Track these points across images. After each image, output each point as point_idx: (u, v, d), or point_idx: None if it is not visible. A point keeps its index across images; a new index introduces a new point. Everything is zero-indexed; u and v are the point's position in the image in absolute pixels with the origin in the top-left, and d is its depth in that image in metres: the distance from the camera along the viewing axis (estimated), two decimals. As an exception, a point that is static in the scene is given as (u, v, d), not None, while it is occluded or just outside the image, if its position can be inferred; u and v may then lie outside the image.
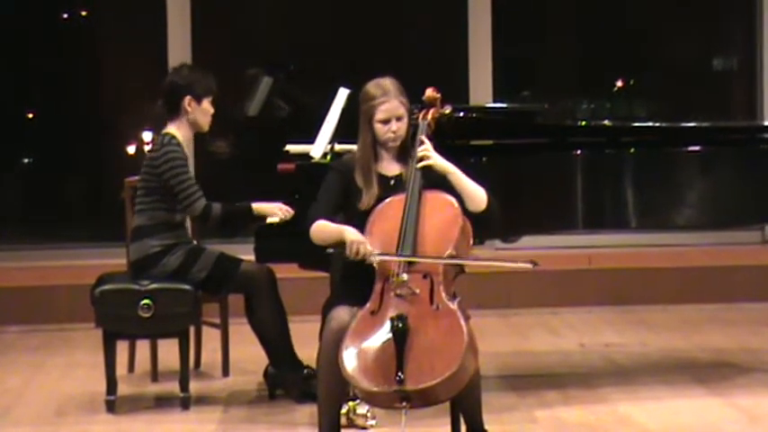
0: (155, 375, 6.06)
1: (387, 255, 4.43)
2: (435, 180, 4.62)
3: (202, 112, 5.61)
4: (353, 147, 4.95)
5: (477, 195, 4.62)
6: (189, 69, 5.74)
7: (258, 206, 5.48)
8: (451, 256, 4.43)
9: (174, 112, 5.61)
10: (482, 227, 4.66)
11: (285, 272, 5.63)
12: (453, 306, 4.32)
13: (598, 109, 9.11)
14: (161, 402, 5.70)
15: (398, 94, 4.69)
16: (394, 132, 4.69)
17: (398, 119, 4.69)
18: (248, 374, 6.06)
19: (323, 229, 4.61)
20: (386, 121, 4.68)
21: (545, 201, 5.64)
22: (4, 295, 7.58)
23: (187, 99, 5.58)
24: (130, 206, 5.85)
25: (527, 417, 5.33)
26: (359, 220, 4.58)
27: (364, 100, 4.72)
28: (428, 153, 4.63)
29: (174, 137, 5.56)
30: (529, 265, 4.41)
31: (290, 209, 5.45)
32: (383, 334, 4.27)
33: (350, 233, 4.51)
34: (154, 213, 5.55)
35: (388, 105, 4.67)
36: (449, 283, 4.43)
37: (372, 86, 4.72)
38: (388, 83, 4.71)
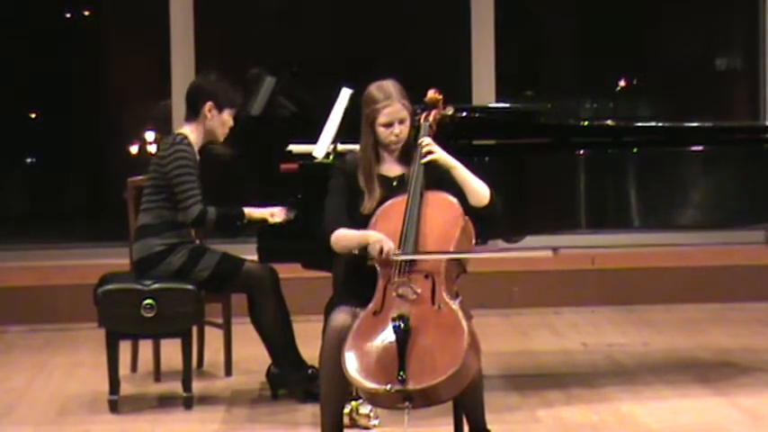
0: (157, 375, 6.06)
1: (405, 254, 4.42)
2: (438, 175, 4.63)
3: (221, 121, 5.61)
4: (356, 147, 4.95)
5: (480, 190, 4.62)
6: (218, 77, 5.73)
7: (250, 211, 5.49)
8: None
9: (194, 114, 5.61)
10: (485, 223, 4.66)
11: (288, 272, 5.64)
12: (455, 306, 4.33)
13: (601, 109, 9.12)
14: (164, 402, 5.70)
15: (401, 97, 4.69)
16: (396, 135, 4.69)
17: (401, 122, 4.69)
18: (251, 374, 6.07)
19: (344, 236, 4.60)
20: (388, 125, 4.68)
21: (548, 200, 5.64)
22: (6, 295, 7.58)
23: (208, 105, 5.58)
24: (133, 206, 5.85)
25: (530, 416, 5.34)
26: (361, 222, 4.58)
27: (366, 103, 4.72)
28: (432, 147, 4.63)
29: (186, 137, 5.56)
30: (549, 253, 4.39)
31: (282, 212, 5.45)
32: (385, 334, 4.27)
33: (371, 234, 4.51)
34: (159, 212, 5.55)
35: (391, 109, 4.67)
36: (451, 283, 4.43)
37: (374, 90, 4.71)
38: (390, 86, 4.71)
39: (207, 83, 5.67)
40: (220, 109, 5.60)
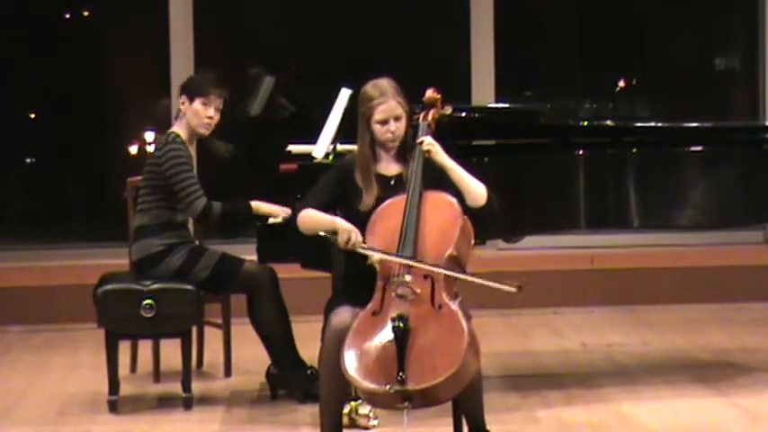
0: (157, 375, 6.06)
1: (372, 249, 4.44)
2: (435, 176, 4.63)
3: (193, 112, 5.57)
4: (356, 147, 4.95)
5: (477, 190, 4.63)
6: (197, 71, 5.75)
7: (258, 205, 5.49)
8: (452, 257, 4.44)
9: (179, 112, 5.64)
10: (483, 224, 4.67)
11: (287, 272, 5.64)
12: (454, 306, 4.33)
13: (600, 109, 9.12)
14: (163, 402, 5.70)
15: (396, 95, 4.70)
16: (392, 133, 4.70)
17: (396, 119, 4.70)
18: (250, 375, 6.07)
19: (312, 216, 4.64)
20: (384, 122, 4.69)
21: (547, 200, 5.65)
22: (6, 295, 7.58)
23: (182, 99, 5.60)
24: (133, 206, 5.85)
25: (529, 417, 5.34)
26: (359, 221, 4.58)
27: (362, 101, 4.73)
28: (433, 146, 4.64)
29: (177, 135, 5.57)
30: (513, 289, 4.38)
31: (284, 212, 5.45)
32: (385, 334, 4.27)
33: (341, 222, 4.55)
34: (157, 213, 5.56)
35: (386, 106, 4.68)
36: (450, 284, 4.43)
37: (370, 87, 4.73)
38: (385, 83, 4.72)
39: (185, 79, 5.71)
40: (191, 100, 5.58)
